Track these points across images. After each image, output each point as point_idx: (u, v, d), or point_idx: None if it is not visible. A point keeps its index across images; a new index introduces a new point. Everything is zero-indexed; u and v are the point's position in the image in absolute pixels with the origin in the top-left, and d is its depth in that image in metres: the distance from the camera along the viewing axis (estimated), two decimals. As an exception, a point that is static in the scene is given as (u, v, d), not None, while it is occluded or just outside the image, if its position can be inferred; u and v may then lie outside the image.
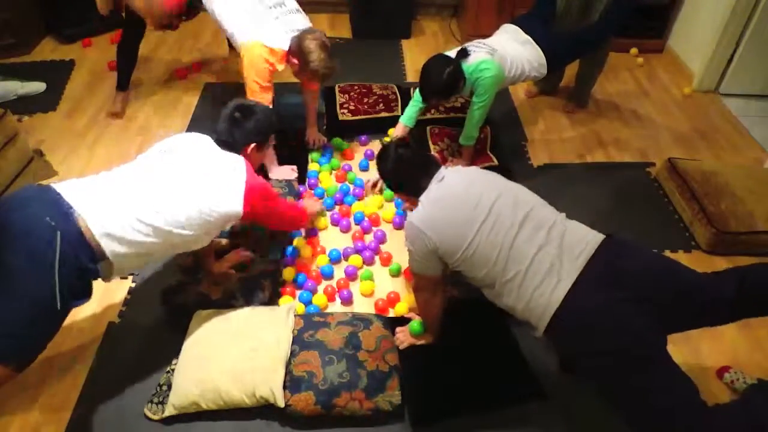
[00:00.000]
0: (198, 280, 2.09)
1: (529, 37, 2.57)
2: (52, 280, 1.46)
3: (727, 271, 1.62)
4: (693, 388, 1.42)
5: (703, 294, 1.53)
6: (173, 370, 1.84)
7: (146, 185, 1.66)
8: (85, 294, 1.63)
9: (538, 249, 1.55)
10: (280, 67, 2.41)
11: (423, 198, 1.72)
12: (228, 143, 1.84)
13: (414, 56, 3.67)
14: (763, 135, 3.07)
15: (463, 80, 2.41)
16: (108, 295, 2.17)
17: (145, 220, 1.61)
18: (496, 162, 2.74)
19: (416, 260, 1.73)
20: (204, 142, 1.84)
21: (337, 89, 3.12)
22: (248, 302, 2.04)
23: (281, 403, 1.73)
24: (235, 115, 1.86)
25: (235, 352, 1.81)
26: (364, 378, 1.78)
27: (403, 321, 2.04)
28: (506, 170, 2.70)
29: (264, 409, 1.78)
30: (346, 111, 2.98)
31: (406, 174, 1.81)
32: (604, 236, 1.60)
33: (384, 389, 1.77)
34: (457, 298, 2.06)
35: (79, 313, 2.08)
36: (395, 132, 2.66)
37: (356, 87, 3.13)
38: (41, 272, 1.46)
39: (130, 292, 2.18)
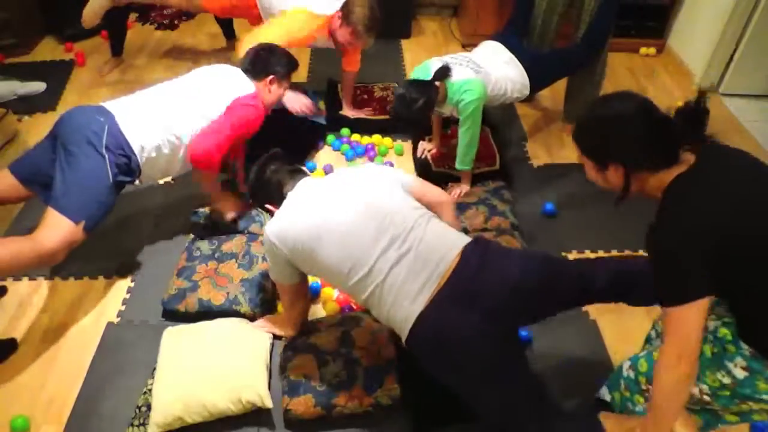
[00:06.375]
0: (194, 283, 2.11)
1: (513, 56, 2.49)
2: (102, 157, 1.95)
3: (600, 262, 1.68)
4: (537, 398, 1.56)
5: (572, 284, 1.58)
6: (150, 390, 1.76)
7: (171, 101, 2.11)
8: (131, 173, 2.06)
9: (394, 262, 1.51)
10: (318, 37, 2.57)
11: (282, 207, 1.70)
12: (250, 72, 2.23)
13: (414, 56, 3.67)
14: (763, 135, 3.07)
15: (435, 103, 2.25)
16: (108, 295, 2.17)
17: (166, 129, 2.06)
18: (497, 166, 2.72)
19: (271, 269, 1.78)
20: (233, 70, 2.25)
21: (340, 88, 3.12)
22: (251, 300, 2.04)
23: (269, 404, 1.71)
24: (259, 52, 2.24)
25: (214, 360, 1.77)
26: (361, 375, 1.77)
27: None
28: (506, 171, 2.71)
29: (260, 416, 1.76)
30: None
31: (273, 187, 1.78)
32: (464, 243, 1.55)
33: (382, 383, 1.77)
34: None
35: (79, 312, 2.10)
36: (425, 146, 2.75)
37: (357, 92, 3.14)
38: (95, 152, 1.94)
39: (130, 291, 2.19)
